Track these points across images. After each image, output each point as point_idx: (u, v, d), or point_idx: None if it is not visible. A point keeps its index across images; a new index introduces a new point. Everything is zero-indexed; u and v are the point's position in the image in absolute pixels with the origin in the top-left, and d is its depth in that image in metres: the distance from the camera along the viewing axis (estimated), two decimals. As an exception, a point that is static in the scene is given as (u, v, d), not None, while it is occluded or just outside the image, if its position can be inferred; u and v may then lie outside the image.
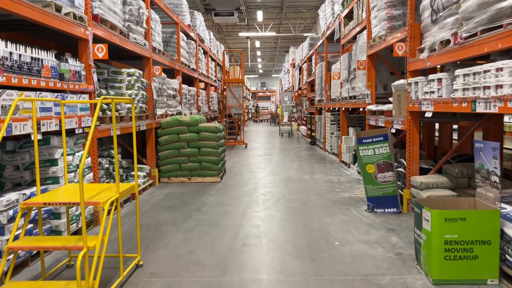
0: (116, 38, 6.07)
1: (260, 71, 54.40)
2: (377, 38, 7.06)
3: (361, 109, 12.80)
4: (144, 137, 8.20)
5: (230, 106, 14.93)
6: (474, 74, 3.83)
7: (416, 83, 5.26)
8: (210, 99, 16.27)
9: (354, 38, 9.40)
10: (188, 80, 13.47)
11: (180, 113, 10.39)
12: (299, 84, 22.55)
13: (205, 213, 5.86)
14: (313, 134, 15.63)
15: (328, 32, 12.43)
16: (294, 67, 26.76)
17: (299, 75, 22.43)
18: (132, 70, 6.94)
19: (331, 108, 12.35)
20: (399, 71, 8.04)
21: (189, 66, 11.77)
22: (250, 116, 44.60)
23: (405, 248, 4.32)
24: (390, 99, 6.61)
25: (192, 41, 12.47)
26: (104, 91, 6.13)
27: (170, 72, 10.73)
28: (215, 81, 17.59)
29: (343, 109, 10.34)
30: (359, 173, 8.63)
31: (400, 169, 6.04)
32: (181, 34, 10.93)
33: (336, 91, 11.19)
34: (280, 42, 33.49)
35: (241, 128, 23.50)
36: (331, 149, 12.39)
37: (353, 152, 9.38)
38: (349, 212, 5.75)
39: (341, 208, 5.97)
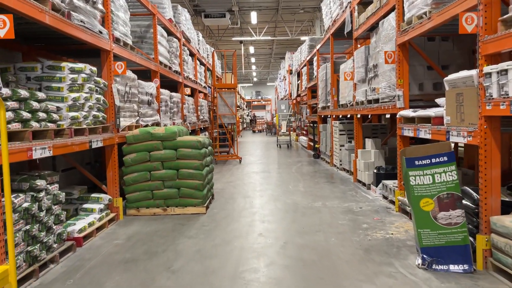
0: (46, 15, 4.13)
1: (255, 79, 52.69)
2: (415, 19, 5.18)
3: (370, 116, 10.98)
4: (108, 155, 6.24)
5: (221, 115, 13.00)
6: None
7: (504, 72, 3.35)
8: (199, 108, 14.35)
9: (372, 29, 7.54)
10: (172, 86, 11.56)
11: (158, 124, 8.45)
12: (297, 90, 20.70)
13: (177, 275, 3.89)
14: (316, 146, 13.72)
15: (334, 28, 10.59)
16: (291, 73, 25.01)
17: (298, 81, 20.61)
18: (80, 65, 5.00)
19: (340, 116, 10.44)
20: (439, 65, 6.16)
21: (170, 68, 9.86)
22: (244, 126, 42.74)
23: None
24: (440, 100, 4.71)
25: (175, 39, 10.58)
26: (25, 93, 4.14)
27: (147, 74, 8.81)
28: (205, 87, 15.70)
29: (358, 116, 8.44)
30: (385, 198, 6.70)
31: (465, 202, 4.10)
32: (161, 29, 9.03)
33: (347, 95, 9.30)
34: (275, 48, 31.77)
35: (234, 140, 21.53)
36: (341, 164, 10.47)
37: (375, 171, 7.44)
38: (395, 271, 3.79)
39: (380, 263, 4.01)
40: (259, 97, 53.06)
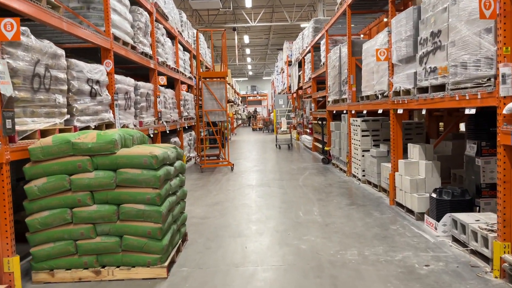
0: None
1: (250, 73, 50.03)
2: None
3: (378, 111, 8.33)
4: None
5: (208, 112, 10.41)
6: None
7: None
8: (182, 102, 11.76)
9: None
10: (143, 75, 8.98)
11: (111, 125, 5.89)
12: (298, 82, 18.14)
13: None
14: (326, 148, 11.17)
15: (354, -5, 8.04)
16: (289, 64, 22.44)
17: (299, 71, 18.04)
18: None
19: (364, 112, 7.85)
20: None
21: (134, 48, 7.28)
22: (239, 123, 40.15)
23: None
24: None
25: (145, 13, 7.97)
26: None
27: (97, 55, 6.23)
28: (190, 78, 13.11)
29: (400, 112, 5.86)
30: (457, 242, 4.16)
31: None
32: (118, -8, 6.45)
33: (376, 82, 6.75)
34: (272, 37, 29.15)
35: (227, 139, 18.92)
36: (364, 175, 7.94)
37: (433, 195, 4.89)
38: None
39: None
40: (255, 92, 50.47)
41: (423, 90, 5.02)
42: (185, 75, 12.54)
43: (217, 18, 22.58)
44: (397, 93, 5.84)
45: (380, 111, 6.87)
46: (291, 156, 13.23)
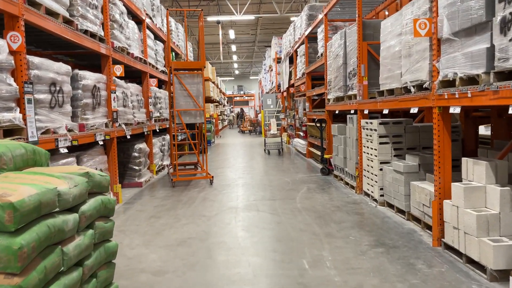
0: None
1: (236, 71, 48.03)
2: None
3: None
4: None
5: (180, 112, 8.37)
6: None
7: None
8: (152, 100, 9.72)
9: None
10: (95, 66, 6.96)
11: (17, 130, 3.87)
12: (289, 79, 16.22)
13: None
14: (325, 156, 9.22)
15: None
16: (279, 62, 20.55)
17: (290, 67, 16.13)
18: None
19: (384, 112, 5.87)
20: None
21: (71, 23, 5.24)
22: (225, 123, 38.10)
23: None
24: None
25: (92, -21, 5.94)
26: None
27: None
28: (164, 72, 11.07)
29: (454, 111, 3.89)
30: None
31: None
32: None
33: (411, 69, 4.82)
34: (259, 33, 27.21)
35: (210, 143, 16.94)
36: (382, 194, 6.02)
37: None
38: None
39: None
40: (242, 92, 48.48)
41: (503, 75, 3.12)
42: (157, 68, 10.50)
43: (199, 8, 20.60)
44: (449, 83, 3.92)
45: (385, 111, 4.94)
46: (283, 163, 11.28)
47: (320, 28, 10.29)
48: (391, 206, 5.80)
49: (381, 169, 6.03)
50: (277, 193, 7.24)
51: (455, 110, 3.76)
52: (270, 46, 24.43)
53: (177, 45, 13.70)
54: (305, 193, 7.21)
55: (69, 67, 5.15)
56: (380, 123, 6.02)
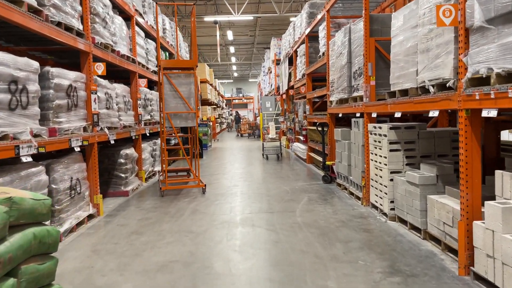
0: None
1: (235, 74, 47.42)
2: None
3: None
4: None
5: (170, 114, 7.71)
6: None
7: None
8: (141, 102, 9.07)
9: None
10: (74, 64, 6.33)
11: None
12: (289, 81, 15.58)
13: None
14: (328, 163, 8.55)
15: None
16: (278, 63, 19.94)
17: (289, 68, 15.49)
18: None
19: (396, 115, 5.20)
20: None
21: (39, 13, 4.59)
22: (223, 127, 37.46)
23: None
24: None
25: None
26: None
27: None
28: (155, 72, 10.41)
29: (492, 114, 3.25)
30: None
31: None
32: None
33: (430, 66, 4.16)
34: (258, 33, 26.61)
35: (207, 147, 16.30)
36: (393, 208, 5.35)
37: None
38: None
39: None
40: (240, 95, 47.86)
41: None
42: (148, 68, 9.85)
43: (196, 10, 19.96)
44: (480, 81, 3.27)
45: (397, 115, 4.28)
46: (282, 169, 10.61)
47: (322, 25, 9.66)
48: (403, 221, 5.14)
49: (391, 180, 5.37)
50: (275, 204, 6.57)
51: (489, 113, 3.10)
52: (269, 48, 23.82)
53: (171, 45, 13.05)
54: (306, 204, 6.54)
55: (37, 63, 4.50)
56: (390, 128, 5.36)
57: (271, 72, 23.45)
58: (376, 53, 6.21)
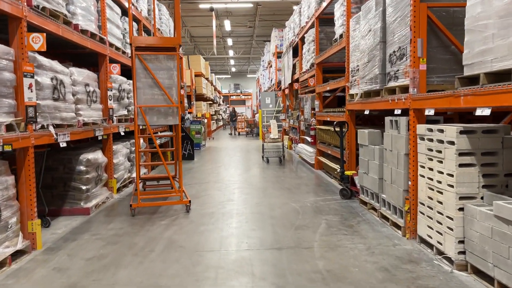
0: None
1: (233, 69, 45.55)
2: None
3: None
4: None
5: (143, 108, 5.88)
6: None
7: None
8: (113, 93, 7.26)
9: None
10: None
11: None
12: (293, 74, 13.76)
13: None
14: (347, 172, 6.74)
15: None
16: (279, 57, 18.17)
17: (293, 60, 13.67)
18: None
19: (478, 112, 3.39)
20: None
21: None
22: (220, 124, 35.65)
23: None
24: None
25: None
26: None
27: None
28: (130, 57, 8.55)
29: None
30: None
31: None
32: None
33: None
34: (258, 24, 24.76)
35: (200, 146, 14.55)
36: (463, 251, 3.56)
37: None
38: None
39: None
40: (238, 91, 46.01)
41: None
42: (124, 52, 8.03)
43: (190, -5, 18.09)
44: None
45: (485, 112, 2.47)
46: (286, 177, 8.80)
47: (338, 3, 7.86)
48: (482, 274, 3.36)
49: (461, 208, 3.59)
50: (283, 234, 4.77)
51: None
52: (269, 41, 22.01)
53: (159, 29, 11.19)
54: (325, 234, 4.74)
55: None
56: (461, 132, 3.57)
57: (271, 66, 21.66)
58: (428, 27, 4.42)
